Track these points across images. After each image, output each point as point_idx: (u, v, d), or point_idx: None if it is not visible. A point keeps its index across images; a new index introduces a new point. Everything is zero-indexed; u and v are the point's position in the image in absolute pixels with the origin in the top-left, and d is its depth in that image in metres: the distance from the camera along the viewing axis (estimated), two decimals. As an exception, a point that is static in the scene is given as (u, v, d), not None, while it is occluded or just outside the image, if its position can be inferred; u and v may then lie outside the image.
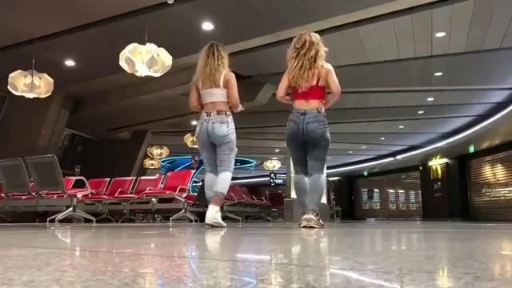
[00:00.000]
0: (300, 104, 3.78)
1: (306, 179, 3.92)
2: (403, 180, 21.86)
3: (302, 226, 3.73)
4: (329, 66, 3.77)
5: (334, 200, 18.13)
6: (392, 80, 10.12)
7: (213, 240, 2.44)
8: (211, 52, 4.01)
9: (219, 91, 3.98)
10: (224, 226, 3.95)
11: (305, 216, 3.74)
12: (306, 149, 3.89)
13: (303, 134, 3.75)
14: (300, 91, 3.76)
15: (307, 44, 3.78)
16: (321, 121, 3.74)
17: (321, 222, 3.83)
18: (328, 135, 3.81)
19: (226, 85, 3.98)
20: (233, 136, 4.04)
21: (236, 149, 4.14)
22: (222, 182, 3.99)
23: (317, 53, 3.75)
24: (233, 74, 4.07)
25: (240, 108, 4.14)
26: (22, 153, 7.49)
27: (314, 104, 3.74)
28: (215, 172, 4.10)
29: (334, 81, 3.74)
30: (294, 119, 3.79)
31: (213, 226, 3.84)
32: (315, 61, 3.73)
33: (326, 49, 3.83)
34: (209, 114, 3.98)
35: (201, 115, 4.07)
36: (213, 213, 3.85)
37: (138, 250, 1.70)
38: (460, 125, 14.27)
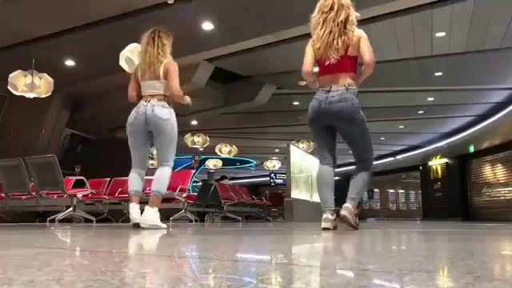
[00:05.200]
0: (326, 80, 3.16)
1: (332, 171, 3.33)
2: (403, 180, 21.84)
3: (323, 227, 3.11)
4: (361, 32, 3.16)
5: (333, 200, 18.11)
6: (392, 80, 10.12)
7: (213, 240, 2.44)
8: (151, 38, 3.59)
9: (159, 84, 3.54)
10: (164, 228, 3.51)
11: (324, 216, 3.15)
12: (332, 133, 3.30)
13: (326, 116, 3.13)
14: (327, 63, 3.13)
15: (336, 7, 3.13)
16: (348, 99, 3.07)
17: (357, 220, 3.21)
18: (360, 114, 3.14)
19: (166, 75, 3.54)
20: (175, 125, 3.57)
21: (175, 143, 3.62)
22: (161, 180, 3.56)
23: (347, 17, 3.13)
24: (174, 63, 3.60)
25: (187, 100, 3.67)
26: (21, 153, 7.48)
27: (342, 79, 3.11)
28: (141, 168, 3.69)
29: (367, 48, 3.12)
30: (317, 97, 3.16)
31: (140, 227, 3.40)
32: (345, 27, 3.11)
33: (358, 14, 3.21)
34: (148, 101, 3.54)
35: (137, 104, 3.62)
36: (148, 215, 3.42)
37: (138, 250, 1.70)
38: (460, 125, 14.27)
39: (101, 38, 7.50)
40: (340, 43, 3.08)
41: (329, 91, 3.10)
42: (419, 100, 11.57)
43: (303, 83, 10.11)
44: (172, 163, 3.67)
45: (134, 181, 3.65)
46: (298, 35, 7.40)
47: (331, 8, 3.14)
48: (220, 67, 9.06)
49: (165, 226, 3.64)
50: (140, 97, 3.64)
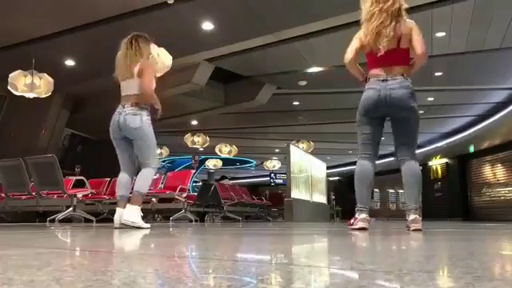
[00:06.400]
0: (378, 72, 3.05)
1: (372, 168, 3.28)
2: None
3: (360, 226, 3.14)
4: (412, 22, 3.06)
5: (334, 200, 18.14)
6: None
7: (213, 240, 2.44)
8: (129, 43, 3.83)
9: (133, 82, 3.71)
10: (147, 228, 3.59)
11: (362, 216, 3.18)
12: (381, 126, 3.21)
13: (386, 105, 3.01)
14: (379, 55, 3.01)
15: None
16: (409, 87, 3.02)
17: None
18: (417, 107, 3.13)
19: (141, 74, 3.70)
20: (148, 130, 3.69)
21: (155, 146, 3.76)
22: (141, 180, 3.71)
23: (400, 7, 3.03)
24: (150, 64, 3.83)
25: (159, 105, 3.74)
26: (22, 153, 7.48)
27: (397, 70, 3.02)
28: (128, 172, 3.83)
29: (419, 39, 3.03)
30: (374, 86, 3.04)
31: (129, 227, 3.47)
32: (397, 16, 3.01)
33: (406, 5, 3.11)
34: (123, 107, 3.72)
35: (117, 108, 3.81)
36: (130, 213, 3.51)
37: (138, 250, 1.70)
38: (460, 125, 14.27)
39: (101, 38, 7.49)
40: (391, 31, 2.98)
41: (385, 80, 3.01)
42: (419, 100, 11.49)
43: (303, 83, 10.14)
44: (154, 164, 3.81)
45: (120, 185, 3.81)
46: (297, 35, 7.40)
47: None
48: (220, 67, 9.06)
49: (148, 225, 3.74)
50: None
